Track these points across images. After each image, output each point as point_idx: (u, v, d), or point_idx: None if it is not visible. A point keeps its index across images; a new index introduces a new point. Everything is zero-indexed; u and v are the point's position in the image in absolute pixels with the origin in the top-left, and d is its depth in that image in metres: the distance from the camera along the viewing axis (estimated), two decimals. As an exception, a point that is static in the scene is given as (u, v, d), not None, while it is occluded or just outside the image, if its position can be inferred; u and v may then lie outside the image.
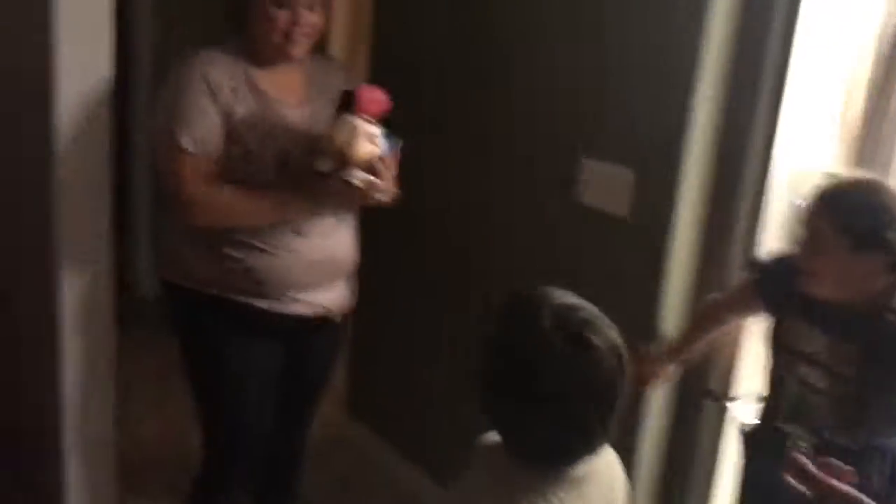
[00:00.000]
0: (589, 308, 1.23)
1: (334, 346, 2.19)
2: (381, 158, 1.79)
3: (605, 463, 1.33)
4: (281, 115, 1.86)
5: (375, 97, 1.78)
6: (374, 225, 2.92)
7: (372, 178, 1.78)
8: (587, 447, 1.23)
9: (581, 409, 1.18)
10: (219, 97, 1.80)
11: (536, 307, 1.20)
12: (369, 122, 1.75)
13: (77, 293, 2.05)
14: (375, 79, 2.87)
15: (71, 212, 1.99)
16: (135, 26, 3.79)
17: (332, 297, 2.01)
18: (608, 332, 1.21)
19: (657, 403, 2.13)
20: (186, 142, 1.78)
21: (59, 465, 2.17)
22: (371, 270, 2.94)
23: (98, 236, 2.05)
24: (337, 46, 3.48)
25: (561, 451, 1.23)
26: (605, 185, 2.13)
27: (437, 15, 2.59)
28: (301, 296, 1.93)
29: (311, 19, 1.84)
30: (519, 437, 1.24)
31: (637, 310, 2.08)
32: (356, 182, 1.76)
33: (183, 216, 1.84)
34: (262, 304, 1.90)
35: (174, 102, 1.80)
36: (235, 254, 1.86)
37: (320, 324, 2.01)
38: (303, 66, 1.95)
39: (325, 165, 1.74)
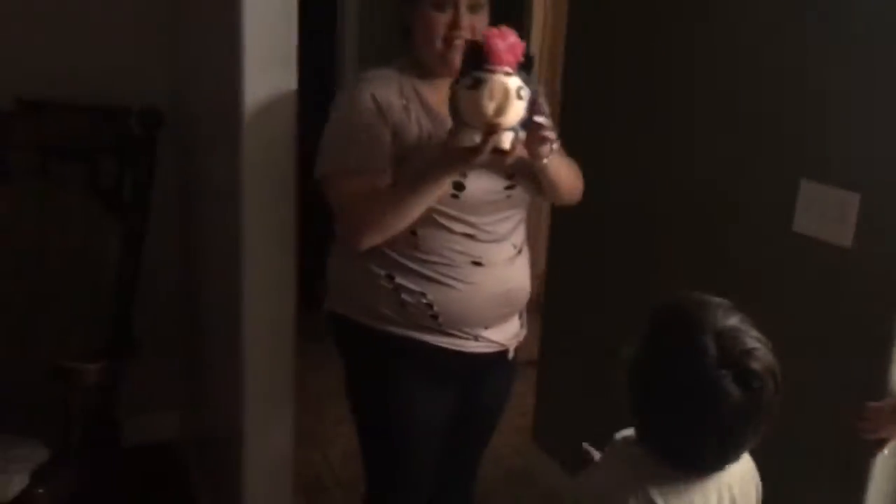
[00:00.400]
0: (747, 329, 1.23)
1: (508, 385, 2.00)
2: (532, 108, 1.51)
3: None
4: None
5: (510, 42, 1.45)
6: (566, 250, 2.84)
7: (521, 135, 1.51)
8: (736, 457, 1.28)
9: (738, 430, 1.22)
10: (388, 117, 1.69)
11: (699, 331, 1.21)
12: (510, 73, 1.45)
13: (259, 305, 2.02)
14: (573, 93, 2.76)
15: (255, 224, 1.98)
16: (341, 48, 3.88)
17: (508, 332, 1.84)
18: (766, 356, 1.22)
19: (886, 468, 1.81)
20: (354, 163, 1.68)
21: (240, 477, 2.16)
22: (561, 297, 2.87)
23: (283, 250, 2.03)
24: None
25: (711, 461, 1.27)
26: (824, 210, 1.85)
27: (646, 21, 2.40)
28: (478, 332, 1.77)
29: (473, 22, 1.69)
30: (670, 446, 1.27)
31: (863, 356, 1.79)
32: (508, 146, 1.49)
33: (352, 241, 1.70)
34: (438, 340, 1.74)
35: (343, 123, 1.71)
36: (412, 286, 1.72)
37: (495, 362, 1.85)
38: None
39: (472, 139, 1.48)
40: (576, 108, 2.73)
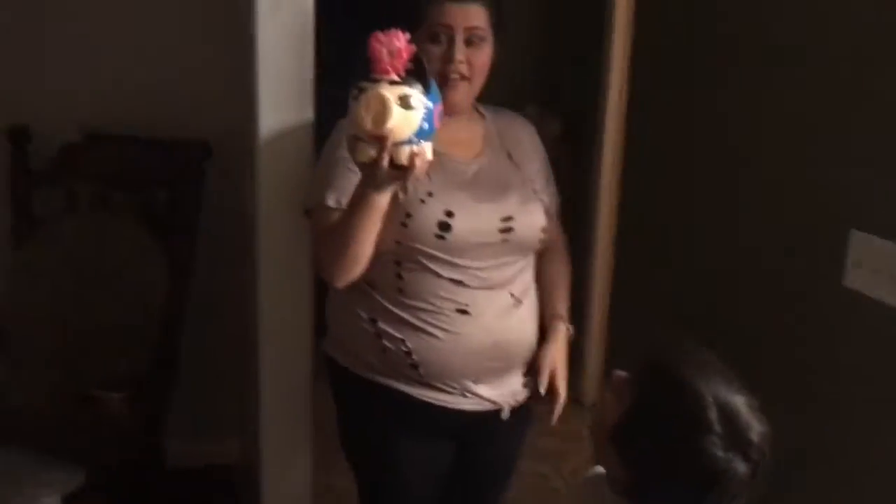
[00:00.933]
0: (742, 396, 1.15)
1: (510, 449, 1.79)
2: (427, 121, 1.33)
3: None
4: (448, 171, 1.58)
5: (395, 48, 1.29)
6: (629, 302, 2.67)
7: (424, 149, 1.33)
8: None
9: (737, 497, 1.16)
10: None
11: (702, 406, 1.12)
12: (395, 82, 1.29)
13: (274, 337, 1.97)
14: (632, 145, 2.62)
15: (271, 257, 1.93)
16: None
17: (503, 389, 1.65)
18: (761, 423, 1.15)
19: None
20: (331, 200, 1.55)
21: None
22: (624, 346, 2.69)
23: (299, 282, 1.96)
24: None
25: None
26: (877, 265, 1.59)
27: (692, 67, 2.22)
28: (466, 386, 1.60)
29: (470, 56, 1.56)
30: (653, 498, 1.19)
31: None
32: (405, 161, 1.32)
33: (326, 278, 1.57)
34: (422, 393, 1.60)
35: (327, 158, 1.61)
36: (394, 332, 1.58)
37: (492, 421, 1.66)
38: (481, 117, 1.70)
39: (367, 154, 1.32)
40: (636, 163, 2.59)
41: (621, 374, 1.22)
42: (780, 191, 1.87)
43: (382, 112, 1.27)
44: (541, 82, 3.60)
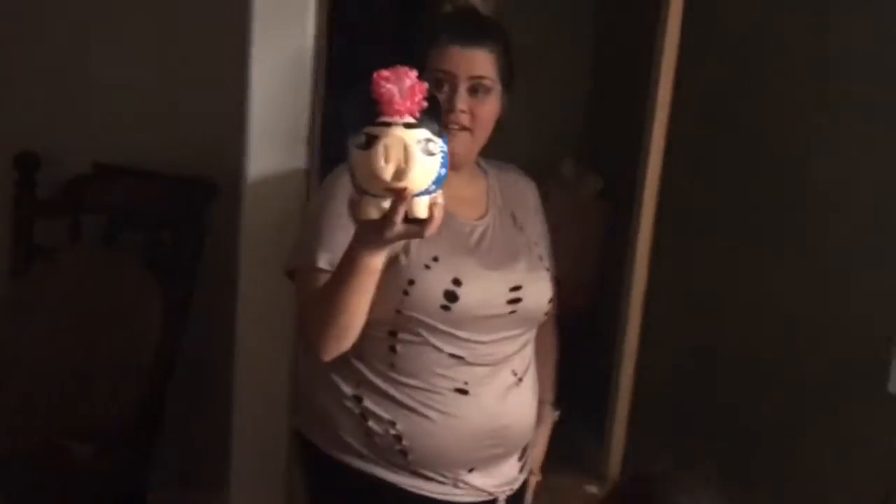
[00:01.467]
0: None
1: None
2: (444, 166, 1.13)
3: None
4: (453, 232, 1.40)
5: (404, 85, 1.08)
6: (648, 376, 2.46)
7: (439, 197, 1.14)
8: None
9: None
10: None
11: None
12: (411, 124, 1.09)
13: (249, 412, 1.80)
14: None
15: (251, 313, 1.77)
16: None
17: (499, 477, 1.46)
18: None
19: None
20: (324, 261, 1.36)
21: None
22: (649, 421, 2.48)
23: (279, 345, 1.79)
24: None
25: None
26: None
27: (740, 121, 2.02)
28: (459, 475, 1.41)
29: (473, 107, 1.38)
30: None
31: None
32: (424, 214, 1.13)
33: (313, 349, 1.36)
34: (408, 483, 1.40)
35: (317, 216, 1.41)
36: (382, 413, 1.39)
37: None
38: (483, 173, 1.52)
39: (379, 210, 1.12)
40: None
41: (593, 489, 1.03)
42: (824, 284, 1.66)
43: (406, 161, 1.07)
44: (579, 136, 3.40)
